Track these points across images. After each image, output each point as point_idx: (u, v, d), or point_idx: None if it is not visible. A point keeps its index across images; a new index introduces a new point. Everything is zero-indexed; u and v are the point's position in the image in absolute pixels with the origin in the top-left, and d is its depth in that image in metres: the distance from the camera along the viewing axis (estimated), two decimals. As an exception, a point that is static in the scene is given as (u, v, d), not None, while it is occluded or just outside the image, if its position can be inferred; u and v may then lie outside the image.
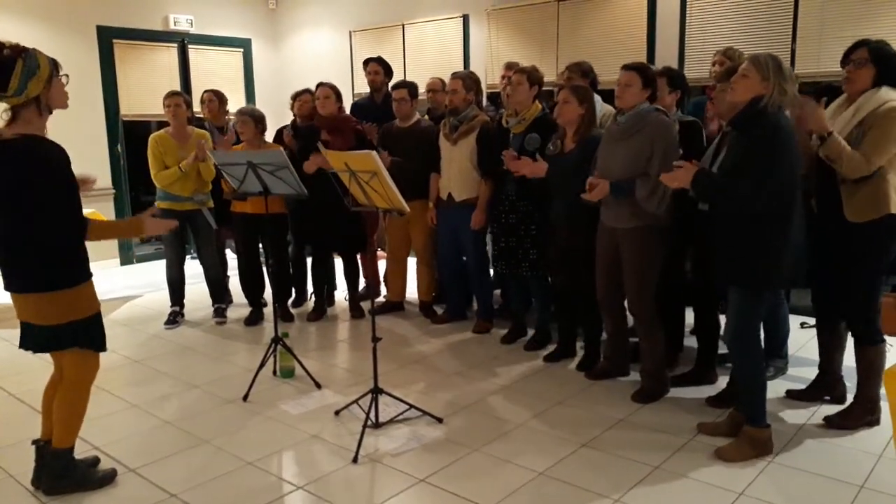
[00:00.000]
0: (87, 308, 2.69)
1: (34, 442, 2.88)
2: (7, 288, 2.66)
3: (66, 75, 2.66)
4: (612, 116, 3.66)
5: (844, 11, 4.81)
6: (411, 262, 5.30)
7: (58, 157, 2.55)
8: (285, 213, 4.94)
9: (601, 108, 4.37)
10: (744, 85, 2.80)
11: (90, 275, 2.72)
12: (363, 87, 6.17)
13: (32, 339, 2.70)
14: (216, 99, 5.49)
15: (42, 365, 3.80)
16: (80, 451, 2.92)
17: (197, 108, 5.76)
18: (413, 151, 4.74)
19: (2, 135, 2.53)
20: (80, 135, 6.50)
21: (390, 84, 5.18)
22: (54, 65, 2.60)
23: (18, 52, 2.50)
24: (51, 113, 2.62)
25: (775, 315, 3.77)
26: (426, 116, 5.18)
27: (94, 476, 2.89)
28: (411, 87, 4.89)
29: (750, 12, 5.19)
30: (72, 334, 2.67)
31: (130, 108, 7.26)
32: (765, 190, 2.71)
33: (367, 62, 5.63)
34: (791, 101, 2.84)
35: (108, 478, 2.91)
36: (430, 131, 4.86)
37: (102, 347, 2.79)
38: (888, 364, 3.02)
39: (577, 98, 3.75)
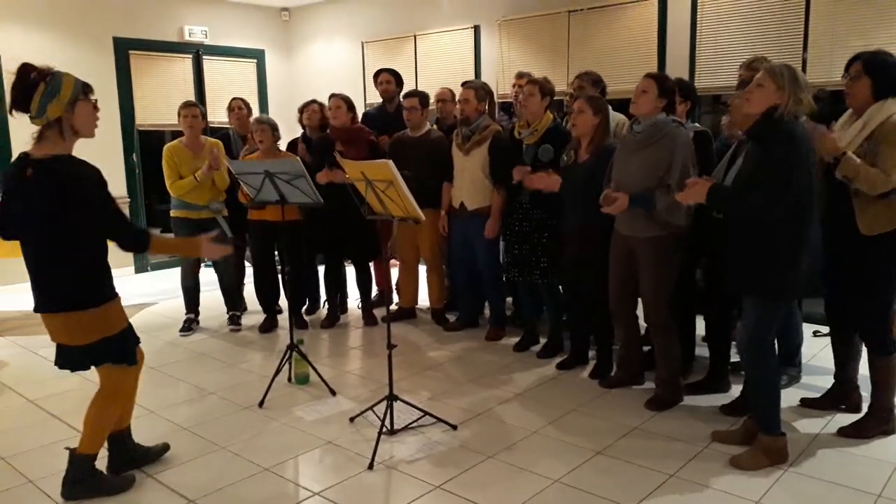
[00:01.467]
0: (116, 324, 2.75)
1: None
2: (36, 309, 2.70)
3: (96, 99, 2.68)
4: (628, 126, 3.68)
5: (855, 20, 4.82)
6: (422, 269, 5.33)
7: (89, 176, 2.59)
8: (301, 220, 4.97)
9: (613, 117, 4.40)
10: (759, 95, 2.81)
11: (116, 293, 2.78)
12: (376, 98, 6.23)
13: (67, 359, 2.74)
14: (245, 107, 5.54)
15: (59, 371, 3.86)
16: (101, 456, 2.95)
17: (221, 117, 5.80)
18: (424, 161, 4.77)
19: (32, 155, 2.58)
20: (96, 144, 6.46)
21: (402, 94, 5.23)
22: (82, 88, 2.62)
23: (44, 75, 2.54)
24: (77, 136, 2.64)
25: (788, 324, 3.77)
26: (435, 126, 5.22)
27: (112, 483, 2.92)
28: (423, 97, 4.93)
29: (761, 21, 5.21)
30: (104, 351, 2.73)
31: (146, 117, 7.35)
32: (781, 199, 2.71)
33: (378, 73, 5.70)
34: (808, 110, 2.85)
35: (127, 483, 2.94)
36: (440, 141, 4.90)
37: (133, 361, 2.85)
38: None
39: (592, 108, 3.78)
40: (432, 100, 5.27)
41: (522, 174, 4.07)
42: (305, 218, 5.00)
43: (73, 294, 2.64)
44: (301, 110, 5.26)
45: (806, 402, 3.58)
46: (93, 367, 2.79)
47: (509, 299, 5.21)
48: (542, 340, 4.58)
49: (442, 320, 5.19)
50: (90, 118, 2.66)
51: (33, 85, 2.52)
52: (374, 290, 5.60)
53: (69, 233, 2.60)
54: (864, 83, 3.03)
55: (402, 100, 4.99)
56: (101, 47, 7.01)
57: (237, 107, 5.53)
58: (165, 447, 3.22)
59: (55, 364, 2.77)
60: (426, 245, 5.06)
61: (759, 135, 2.84)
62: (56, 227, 2.58)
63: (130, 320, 2.88)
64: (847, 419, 3.34)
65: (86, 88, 2.64)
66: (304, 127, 5.27)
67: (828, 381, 3.61)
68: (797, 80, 2.78)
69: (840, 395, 3.50)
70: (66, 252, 2.61)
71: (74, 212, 2.57)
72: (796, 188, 2.70)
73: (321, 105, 5.20)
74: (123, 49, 7.18)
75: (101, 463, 2.96)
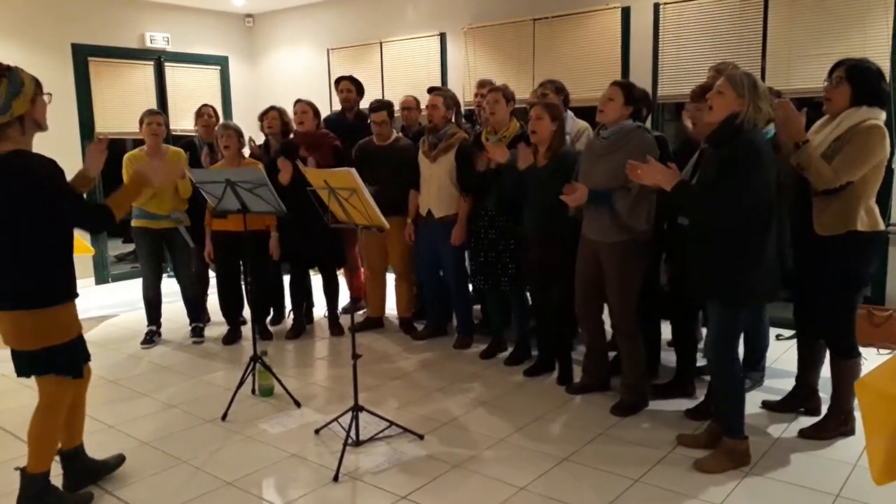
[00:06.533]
0: (64, 333, 2.66)
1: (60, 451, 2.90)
2: None
3: (49, 94, 2.66)
4: (595, 131, 3.71)
5: (811, 30, 4.93)
6: (390, 278, 5.30)
7: (48, 168, 2.55)
8: (264, 230, 4.89)
9: (573, 123, 4.44)
10: (720, 102, 2.85)
11: (73, 296, 2.70)
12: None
13: (17, 364, 2.67)
14: (215, 115, 5.47)
15: (15, 387, 3.74)
16: (56, 474, 2.86)
17: (184, 125, 5.66)
18: (391, 169, 4.76)
19: None
20: (54, 152, 6.31)
21: (368, 104, 5.18)
22: (37, 84, 2.60)
23: (2, 71, 2.49)
24: (36, 131, 2.62)
25: (756, 329, 3.83)
26: (400, 133, 5.21)
27: (68, 500, 2.84)
28: (390, 108, 4.92)
29: (721, 30, 5.30)
30: (47, 361, 2.64)
31: (106, 125, 7.19)
32: (735, 206, 2.76)
33: (338, 80, 5.69)
34: (767, 118, 2.89)
35: (85, 500, 2.87)
36: (408, 149, 4.89)
37: (79, 374, 2.77)
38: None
39: (549, 115, 3.81)
40: (396, 107, 5.26)
41: (483, 160, 4.12)
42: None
43: (24, 291, 2.57)
44: (261, 118, 5.21)
45: (767, 405, 3.64)
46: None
47: (477, 307, 5.21)
48: (510, 347, 4.58)
49: (410, 329, 5.16)
50: (45, 114, 2.65)
51: None
52: (347, 299, 5.55)
53: (24, 229, 2.55)
54: (844, 89, 3.07)
55: (369, 113, 4.93)
56: (59, 54, 6.85)
57: (207, 114, 5.44)
58: (121, 458, 3.14)
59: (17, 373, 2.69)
60: (395, 253, 5.04)
61: (719, 141, 2.88)
62: (11, 223, 2.53)
63: (90, 333, 2.82)
64: (808, 422, 3.39)
65: (39, 84, 2.62)
66: (266, 135, 5.22)
67: (790, 384, 3.66)
68: (757, 88, 2.82)
69: (800, 399, 3.55)
70: (21, 249, 2.56)
71: (33, 206, 2.53)
72: (752, 195, 2.74)
73: (280, 111, 5.18)
74: (82, 56, 7.03)
75: (59, 481, 2.87)
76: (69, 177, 2.74)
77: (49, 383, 2.71)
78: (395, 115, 5.18)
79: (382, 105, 4.89)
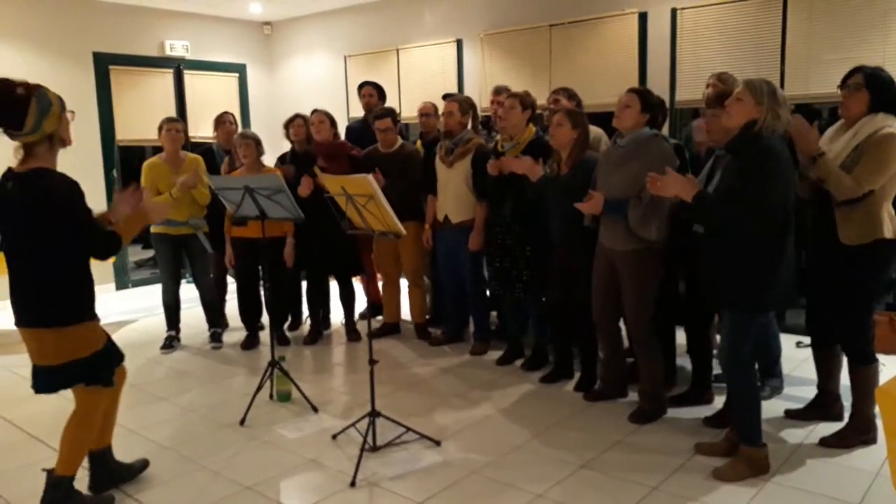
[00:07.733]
0: (88, 346, 2.69)
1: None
2: (16, 323, 2.68)
3: (73, 112, 2.70)
4: (612, 139, 3.70)
5: (830, 35, 4.89)
6: (404, 283, 5.31)
7: (68, 188, 2.57)
8: (282, 236, 4.93)
9: (590, 131, 4.42)
10: (738, 109, 2.83)
11: (94, 316, 2.74)
12: (359, 111, 6.24)
13: (39, 379, 2.70)
14: (235, 123, 5.53)
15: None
16: (80, 475, 2.90)
17: (203, 132, 5.72)
18: (399, 175, 4.78)
19: (16, 170, 2.59)
20: (75, 160, 6.38)
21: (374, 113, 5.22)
22: (61, 101, 2.64)
23: (31, 90, 2.53)
24: (61, 147, 2.66)
25: (765, 334, 3.78)
26: (419, 141, 5.24)
27: (91, 503, 2.87)
28: (394, 115, 4.96)
29: (739, 36, 5.27)
30: (74, 372, 2.68)
31: (126, 133, 7.29)
32: (752, 213, 2.74)
33: (361, 85, 5.74)
34: (785, 126, 2.88)
35: (107, 503, 2.90)
36: (414, 154, 4.93)
37: (109, 383, 2.80)
38: (882, 381, 3.04)
39: (570, 122, 3.80)
40: (415, 113, 5.28)
41: (496, 166, 4.12)
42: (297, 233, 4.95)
43: (46, 310, 2.61)
44: (286, 126, 5.26)
45: (790, 414, 3.60)
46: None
47: (494, 313, 5.20)
48: (528, 354, 4.57)
49: (425, 335, 5.17)
50: (69, 129, 2.69)
51: (23, 101, 2.50)
52: (363, 306, 5.56)
53: (46, 247, 2.58)
54: (861, 96, 3.05)
55: (373, 121, 4.96)
56: (81, 63, 6.96)
57: (228, 121, 5.50)
58: (145, 463, 3.19)
59: (32, 387, 2.72)
60: (409, 259, 5.05)
61: (736, 148, 2.86)
62: (34, 240, 2.58)
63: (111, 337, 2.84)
64: (829, 429, 3.36)
65: (63, 101, 2.65)
66: (291, 142, 5.26)
67: (811, 392, 3.63)
68: (776, 95, 2.80)
69: (822, 406, 3.52)
70: (43, 266, 2.60)
71: (53, 225, 2.56)
72: (772, 202, 2.73)
73: (305, 119, 5.21)
74: (104, 64, 7.13)
75: (83, 482, 2.91)
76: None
77: (84, 392, 2.76)
78: (413, 121, 5.19)
79: (386, 112, 4.94)
